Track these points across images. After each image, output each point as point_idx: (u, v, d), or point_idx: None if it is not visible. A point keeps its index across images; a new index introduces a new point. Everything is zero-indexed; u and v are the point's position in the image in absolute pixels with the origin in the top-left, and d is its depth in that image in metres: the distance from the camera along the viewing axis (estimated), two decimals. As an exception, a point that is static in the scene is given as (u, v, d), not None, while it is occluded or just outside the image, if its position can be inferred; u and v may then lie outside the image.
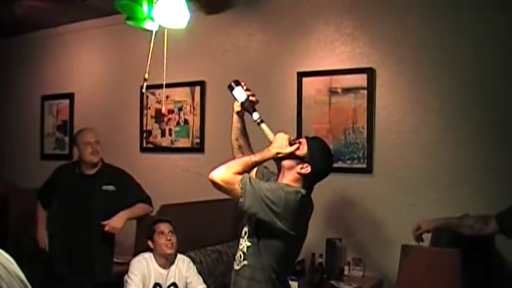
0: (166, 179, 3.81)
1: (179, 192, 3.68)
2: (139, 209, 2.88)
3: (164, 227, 2.54)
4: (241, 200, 1.63)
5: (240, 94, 1.87)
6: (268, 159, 1.76)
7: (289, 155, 1.75)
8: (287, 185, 1.73)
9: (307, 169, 1.74)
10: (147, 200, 2.95)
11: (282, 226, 1.65)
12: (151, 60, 1.98)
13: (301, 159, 1.75)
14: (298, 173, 1.75)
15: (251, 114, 1.85)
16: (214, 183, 1.65)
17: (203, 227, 2.86)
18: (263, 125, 1.82)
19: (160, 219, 2.63)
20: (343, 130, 3.17)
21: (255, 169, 1.92)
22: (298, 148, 1.75)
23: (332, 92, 3.21)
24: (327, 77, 3.22)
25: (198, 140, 3.71)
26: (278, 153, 1.75)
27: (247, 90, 1.89)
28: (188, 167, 3.76)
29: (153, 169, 3.86)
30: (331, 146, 3.24)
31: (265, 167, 1.99)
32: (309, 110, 3.27)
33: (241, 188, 1.63)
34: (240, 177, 1.65)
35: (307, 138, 1.80)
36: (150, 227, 2.58)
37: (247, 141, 1.99)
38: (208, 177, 1.66)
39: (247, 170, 1.70)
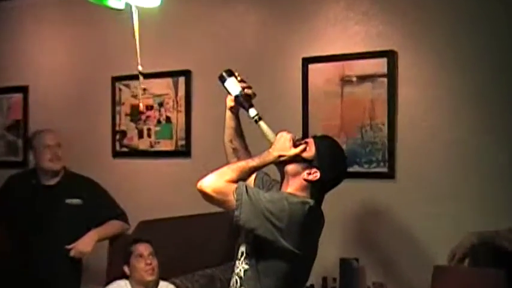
0: (145, 189, 3.81)
1: (161, 205, 3.67)
2: (112, 227, 2.90)
3: (143, 249, 2.56)
4: (236, 213, 1.66)
5: (234, 86, 1.90)
6: (269, 163, 1.79)
7: (293, 158, 1.78)
8: (292, 194, 1.75)
9: (315, 175, 1.77)
10: (121, 216, 2.96)
11: (286, 244, 1.67)
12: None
13: (308, 163, 1.78)
14: (305, 180, 1.78)
15: (247, 111, 1.88)
16: (204, 194, 1.68)
17: (191, 247, 2.87)
18: (262, 123, 1.85)
19: (138, 239, 2.66)
20: (358, 127, 3.16)
21: (253, 176, 1.94)
22: (304, 150, 1.78)
23: (345, 81, 3.21)
24: (338, 63, 3.22)
25: (183, 142, 3.71)
26: (280, 156, 1.78)
27: (241, 81, 1.92)
28: (172, 175, 3.76)
29: (128, 178, 3.87)
30: (344, 147, 3.19)
31: (266, 174, 2.02)
32: (316, 103, 3.27)
33: (237, 199, 1.65)
34: (234, 186, 1.67)
35: (315, 137, 1.84)
36: (126, 249, 2.60)
37: (244, 143, 2.03)
38: (197, 187, 1.68)
39: (243, 177, 1.73)
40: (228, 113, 1.98)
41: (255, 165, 1.76)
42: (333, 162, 1.80)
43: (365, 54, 3.14)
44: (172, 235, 2.89)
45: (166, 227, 2.93)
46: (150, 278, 2.51)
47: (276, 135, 1.81)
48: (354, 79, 3.18)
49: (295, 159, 1.78)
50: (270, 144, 1.81)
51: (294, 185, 1.79)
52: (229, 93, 1.93)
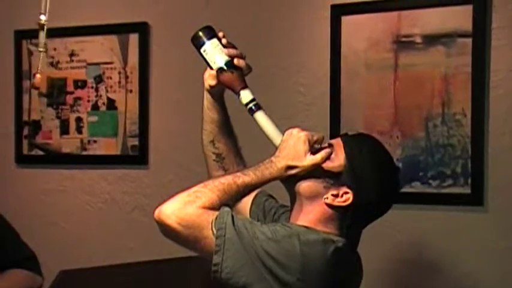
0: (71, 218, 3.82)
1: (96, 245, 3.66)
2: (15, 281, 2.83)
3: None
4: (216, 259, 1.70)
5: (216, 54, 1.98)
6: (271, 179, 1.84)
7: (311, 171, 1.83)
8: (308, 228, 1.79)
9: (346, 197, 1.81)
10: (29, 262, 2.89)
11: None
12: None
13: (334, 179, 1.83)
14: (330, 206, 1.83)
15: (238, 93, 1.96)
16: (166, 227, 1.72)
17: None
18: (260, 115, 1.93)
19: None
20: (422, 120, 3.19)
21: (249, 199, 2.05)
22: (328, 157, 1.84)
23: (401, 43, 3.23)
24: (390, 13, 3.24)
25: (135, 142, 3.74)
26: (289, 167, 1.83)
27: (228, 45, 2.00)
28: (115, 195, 3.78)
29: (43, 198, 3.88)
30: (398, 152, 3.28)
31: (270, 196, 2.13)
32: (354, 81, 3.30)
33: (217, 236, 1.69)
34: (213, 214, 1.72)
35: (344, 137, 1.91)
36: None
37: (234, 146, 2.14)
38: (154, 216, 1.73)
39: (229, 200, 1.79)
40: (208, 98, 2.07)
41: (249, 182, 1.81)
42: (374, 177, 1.84)
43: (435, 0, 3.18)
44: None
45: (104, 281, 2.88)
46: None
47: (284, 134, 1.89)
48: (417, 40, 3.20)
49: (314, 173, 1.83)
50: (275, 148, 1.89)
51: (312, 214, 1.85)
52: (208, 65, 2.02)
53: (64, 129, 3.84)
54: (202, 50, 2.01)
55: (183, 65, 3.47)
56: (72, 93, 3.82)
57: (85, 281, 2.81)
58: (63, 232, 3.75)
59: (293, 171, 1.82)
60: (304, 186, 1.85)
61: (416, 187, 3.13)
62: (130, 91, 3.71)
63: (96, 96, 3.78)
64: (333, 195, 1.81)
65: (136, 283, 2.95)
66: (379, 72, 3.23)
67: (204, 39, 2.00)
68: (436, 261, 3.13)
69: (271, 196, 2.11)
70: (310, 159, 1.81)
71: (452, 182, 3.10)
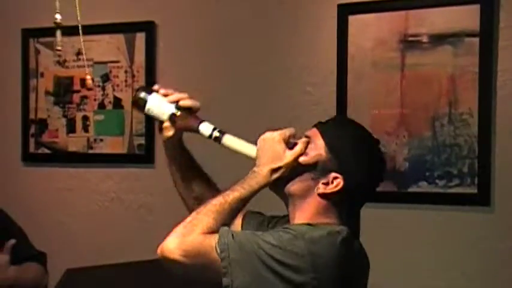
0: (78, 217, 3.82)
1: (102, 243, 3.66)
2: (29, 271, 2.80)
3: None
4: (225, 281, 1.69)
5: (161, 106, 1.98)
6: (260, 188, 1.83)
7: (295, 168, 1.82)
8: (309, 225, 1.78)
9: (337, 182, 1.80)
10: (38, 258, 2.87)
11: None
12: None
13: (320, 169, 1.82)
14: (323, 196, 1.82)
15: (196, 131, 1.95)
16: (172, 263, 1.72)
17: None
18: (227, 138, 1.92)
19: None
20: (429, 120, 3.19)
21: (238, 222, 2.01)
22: (306, 146, 1.83)
23: (408, 43, 3.22)
24: (397, 12, 3.24)
25: (141, 141, 3.73)
26: (274, 170, 1.82)
27: (169, 94, 1.99)
28: (121, 194, 3.77)
29: (49, 197, 3.88)
30: (405, 152, 3.28)
31: (258, 213, 2.09)
32: (361, 80, 3.30)
33: (222, 259, 1.69)
34: (214, 237, 1.72)
35: (319, 125, 1.89)
36: None
37: (208, 182, 2.11)
38: (158, 254, 1.73)
39: (225, 220, 1.79)
40: (170, 149, 2.04)
41: (239, 197, 1.79)
42: (358, 155, 1.82)
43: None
44: None
45: (108, 279, 2.87)
46: None
47: (257, 144, 1.89)
48: (424, 40, 3.20)
49: (299, 170, 1.82)
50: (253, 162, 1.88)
51: (309, 210, 1.83)
52: (159, 121, 1.99)
53: (70, 128, 3.85)
54: (146, 110, 1.98)
55: (190, 64, 3.48)
56: (78, 91, 3.83)
57: (91, 280, 2.81)
58: (69, 230, 3.77)
59: (278, 173, 1.81)
60: (294, 186, 1.84)
61: (422, 187, 3.13)
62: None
63: (103, 95, 3.79)
64: (323, 184, 1.80)
65: (142, 281, 2.95)
66: (386, 72, 3.22)
67: (144, 99, 1.97)
68: (442, 261, 3.14)
69: (259, 213, 2.07)
70: (290, 154, 1.80)
71: (458, 182, 3.10)
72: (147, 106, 1.97)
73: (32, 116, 3.93)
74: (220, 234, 1.71)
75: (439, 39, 3.14)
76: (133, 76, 3.72)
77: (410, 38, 3.19)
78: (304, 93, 3.32)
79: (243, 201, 1.82)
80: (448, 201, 3.11)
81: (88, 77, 3.38)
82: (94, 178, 3.82)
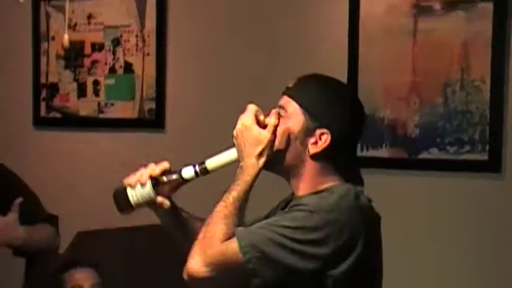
0: (88, 181, 3.84)
1: (113, 207, 3.51)
2: (41, 232, 2.82)
3: (83, 278, 2.57)
4: (256, 282, 1.70)
5: (141, 191, 1.96)
6: (254, 179, 1.81)
7: (279, 139, 1.82)
8: (317, 194, 1.79)
9: (325, 137, 1.80)
10: (50, 220, 2.88)
11: (341, 272, 1.71)
12: None
13: (303, 133, 1.82)
14: (317, 156, 1.81)
15: (184, 180, 1.92)
16: (202, 281, 1.72)
17: (161, 276, 2.83)
18: (209, 161, 1.89)
19: (74, 261, 2.64)
20: (440, 86, 3.19)
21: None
22: (279, 116, 1.83)
23: (420, 8, 3.22)
24: None
25: (152, 105, 3.75)
26: (259, 154, 1.81)
27: (136, 182, 1.97)
28: (132, 159, 3.61)
29: (60, 161, 3.90)
30: (416, 118, 3.28)
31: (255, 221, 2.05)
32: (372, 48, 3.30)
33: (247, 260, 1.69)
34: (234, 241, 1.72)
35: (286, 91, 1.89)
36: (55, 277, 2.60)
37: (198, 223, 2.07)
38: (186, 280, 1.73)
39: (235, 220, 1.78)
40: (166, 217, 2.01)
41: (239, 195, 1.78)
42: (335, 104, 1.83)
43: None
44: (130, 255, 2.93)
45: (120, 242, 2.95)
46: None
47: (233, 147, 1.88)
48: (436, 6, 3.19)
49: (284, 145, 1.82)
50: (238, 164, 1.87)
51: (309, 176, 1.84)
52: (150, 203, 1.97)
53: (81, 92, 3.86)
54: (134, 204, 1.96)
55: (201, 28, 3.48)
56: (89, 56, 3.83)
57: (102, 242, 2.86)
58: (80, 194, 3.79)
59: (264, 156, 1.80)
60: (287, 159, 1.83)
61: (433, 153, 3.14)
62: (148, 54, 3.70)
63: (114, 59, 3.78)
64: (312, 144, 1.80)
65: (151, 245, 2.99)
66: (398, 38, 3.22)
67: (125, 199, 1.96)
68: (453, 227, 3.16)
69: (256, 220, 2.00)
70: (267, 131, 1.79)
71: (469, 149, 3.11)
72: (132, 200, 1.95)
73: (43, 80, 3.93)
74: (238, 236, 1.70)
75: (452, 4, 3.14)
76: (144, 41, 3.71)
77: (423, 4, 3.17)
78: (315, 60, 3.30)
79: (244, 197, 1.80)
80: (458, 168, 3.13)
81: (66, 36, 3.36)
82: (104, 142, 3.84)
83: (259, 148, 1.79)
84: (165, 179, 1.92)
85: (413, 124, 3.16)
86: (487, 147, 3.08)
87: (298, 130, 1.81)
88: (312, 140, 1.79)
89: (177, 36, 3.68)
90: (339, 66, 3.27)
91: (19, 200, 2.73)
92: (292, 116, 1.81)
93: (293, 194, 1.89)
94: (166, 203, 1.93)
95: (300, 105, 1.81)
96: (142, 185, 1.93)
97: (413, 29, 3.19)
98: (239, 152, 1.83)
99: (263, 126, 1.81)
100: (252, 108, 1.85)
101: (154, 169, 1.93)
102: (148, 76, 3.72)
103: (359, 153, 3.19)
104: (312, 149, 1.79)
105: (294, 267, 1.68)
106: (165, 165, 1.95)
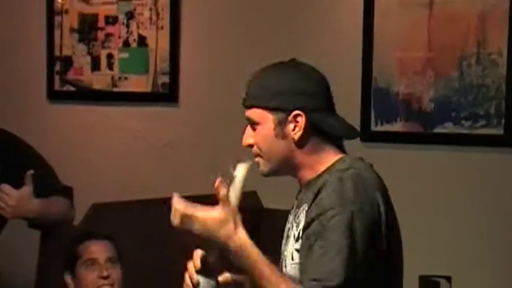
0: (102, 153, 3.86)
1: (127, 180, 3.71)
2: (56, 204, 2.83)
3: (98, 250, 2.58)
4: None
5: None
6: (255, 252, 1.71)
7: (268, 151, 1.82)
8: (321, 176, 1.80)
9: (301, 118, 1.79)
10: (65, 192, 2.89)
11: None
12: None
13: (278, 124, 1.80)
14: (302, 140, 1.81)
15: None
16: None
17: (177, 249, 2.63)
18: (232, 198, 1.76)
19: (90, 233, 2.65)
20: (456, 60, 3.17)
21: None
22: (220, 184, 1.71)
23: None
24: None
25: (165, 79, 3.74)
26: (234, 228, 1.70)
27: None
28: (146, 132, 3.79)
29: (74, 134, 3.91)
30: (431, 92, 3.25)
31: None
32: (388, 19, 3.28)
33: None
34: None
35: (243, 103, 1.86)
36: (70, 249, 2.61)
37: None
38: None
39: (284, 280, 1.72)
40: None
41: (260, 272, 1.69)
42: (285, 83, 1.81)
43: None
44: (145, 227, 2.89)
45: (132, 214, 2.91)
46: (105, 299, 2.56)
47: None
48: None
49: (269, 147, 1.81)
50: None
51: (307, 163, 1.83)
52: None
53: (95, 66, 3.86)
54: None
55: (215, 1, 3.46)
56: (103, 29, 3.82)
57: (116, 215, 2.85)
58: (94, 167, 3.81)
59: (239, 225, 1.69)
60: (280, 159, 1.82)
61: (448, 128, 3.13)
62: (162, 28, 3.70)
63: (127, 32, 3.78)
64: (293, 130, 1.79)
65: (165, 218, 2.99)
66: (413, 10, 3.19)
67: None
68: (467, 202, 3.15)
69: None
70: (221, 204, 1.67)
71: (485, 123, 3.09)
72: None
73: (57, 53, 3.93)
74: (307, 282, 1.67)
75: (468, -23, 3.04)
76: (157, 14, 3.70)
77: (439, -25, 3.13)
78: (329, 32, 3.30)
79: (264, 268, 1.70)
80: (473, 142, 3.11)
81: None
82: (118, 116, 3.84)
83: (228, 225, 1.69)
84: (209, 261, 1.83)
85: (429, 98, 3.14)
86: (503, 121, 3.06)
87: (273, 128, 1.80)
88: (290, 125, 1.79)
89: (191, 9, 3.65)
90: (354, 39, 3.27)
91: (31, 172, 2.74)
92: (262, 120, 1.80)
93: (301, 184, 1.89)
94: (228, 276, 1.83)
95: (260, 107, 1.80)
96: (198, 284, 1.87)
97: (429, 1, 3.16)
98: (217, 243, 1.71)
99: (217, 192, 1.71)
100: (178, 208, 1.72)
101: (195, 263, 1.83)
102: (162, 50, 3.70)
103: (373, 127, 3.22)
104: (296, 134, 1.79)
105: (371, 259, 1.69)
106: (198, 253, 1.83)
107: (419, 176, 3.12)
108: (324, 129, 1.81)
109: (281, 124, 1.79)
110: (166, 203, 3.02)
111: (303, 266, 1.75)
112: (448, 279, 3.04)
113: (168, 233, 2.91)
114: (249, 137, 1.83)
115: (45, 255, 2.91)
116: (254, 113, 1.82)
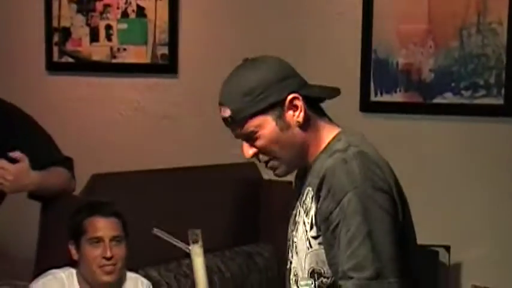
0: (102, 124, 3.86)
1: (126, 151, 3.72)
2: (56, 175, 2.82)
3: (104, 228, 2.56)
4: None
5: None
6: None
7: (284, 152, 1.82)
8: (326, 153, 1.80)
9: (297, 101, 1.78)
10: (65, 163, 2.88)
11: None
12: None
13: (274, 112, 1.79)
14: (304, 124, 1.81)
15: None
16: None
17: (176, 220, 2.68)
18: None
19: (96, 204, 2.63)
20: (456, 31, 3.17)
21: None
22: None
23: None
24: None
25: (164, 50, 3.75)
26: None
27: None
28: (145, 104, 3.79)
29: (74, 106, 3.91)
30: (431, 62, 3.24)
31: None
32: None
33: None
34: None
35: (228, 124, 1.85)
36: (75, 220, 2.59)
37: None
38: None
39: None
40: None
41: None
42: (269, 73, 1.78)
43: None
44: (146, 201, 2.88)
45: (132, 185, 2.90)
46: (107, 278, 2.53)
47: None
48: None
49: (282, 148, 1.80)
50: None
51: (314, 144, 1.83)
52: None
53: (94, 37, 3.86)
54: None
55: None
56: (101, 0, 3.83)
57: (116, 185, 2.86)
58: (93, 138, 3.81)
59: None
60: (290, 151, 1.81)
61: (448, 98, 3.13)
62: (160, -1, 3.64)
63: (126, 3, 3.77)
64: (293, 115, 1.79)
65: (166, 188, 2.99)
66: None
67: None
68: (468, 171, 3.16)
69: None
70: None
71: (485, 93, 3.09)
72: None
73: (55, 24, 3.92)
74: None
75: None
76: (156, -16, 3.63)
77: None
78: (328, 6, 3.29)
79: None
80: (473, 112, 3.12)
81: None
82: (117, 87, 3.84)
83: None
84: None
85: (428, 68, 3.14)
86: (503, 91, 3.06)
87: (275, 125, 1.78)
88: (290, 112, 1.78)
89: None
90: (353, 11, 3.26)
91: (16, 153, 2.68)
92: (261, 125, 1.79)
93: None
94: None
95: (254, 114, 1.77)
96: None
97: (428, -27, 3.14)
98: None
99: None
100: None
101: None
102: (161, 21, 3.70)
103: (373, 98, 3.22)
104: (299, 117, 1.78)
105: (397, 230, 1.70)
106: None
107: (419, 146, 3.12)
108: (317, 97, 1.81)
109: (280, 116, 1.78)
110: (165, 173, 3.03)
111: (333, 258, 1.76)
112: (447, 248, 3.04)
113: (167, 202, 2.94)
114: (249, 148, 1.80)
115: (46, 226, 2.89)
116: (252, 124, 1.79)
